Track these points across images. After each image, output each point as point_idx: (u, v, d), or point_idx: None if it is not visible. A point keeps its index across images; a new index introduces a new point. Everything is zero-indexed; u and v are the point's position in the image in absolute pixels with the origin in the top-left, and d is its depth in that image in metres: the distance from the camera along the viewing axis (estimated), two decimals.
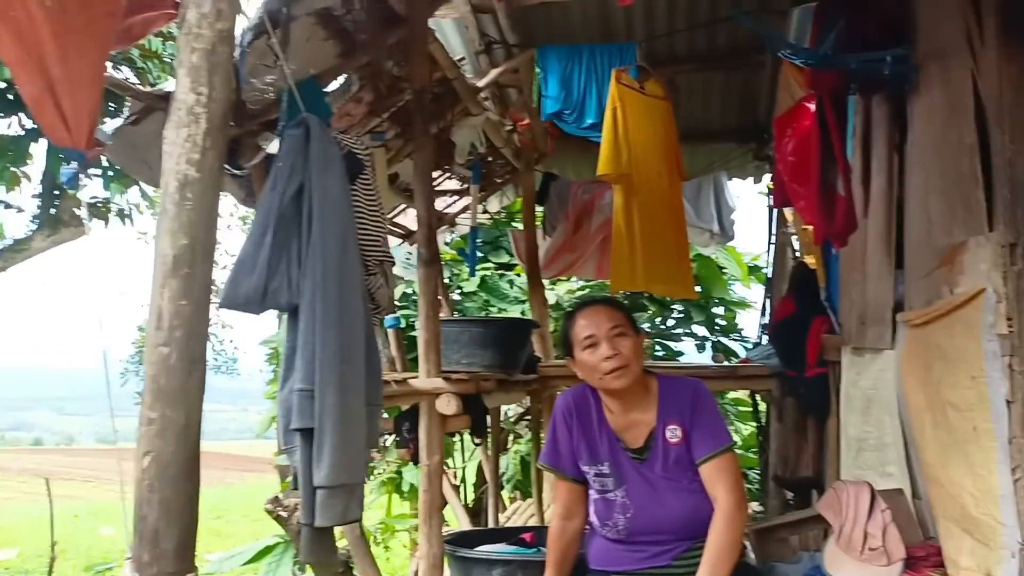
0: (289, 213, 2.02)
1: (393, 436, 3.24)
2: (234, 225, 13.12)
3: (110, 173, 7.60)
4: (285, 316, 2.14)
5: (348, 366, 2.07)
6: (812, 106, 3.01)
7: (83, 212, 7.97)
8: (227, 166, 3.24)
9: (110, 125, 3.18)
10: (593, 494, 2.66)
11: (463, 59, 4.39)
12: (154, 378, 1.54)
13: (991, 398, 2.21)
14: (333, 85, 3.55)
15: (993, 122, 2.30)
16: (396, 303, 6.77)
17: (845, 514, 2.63)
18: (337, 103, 3.59)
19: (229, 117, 1.64)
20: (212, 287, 1.65)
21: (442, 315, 5.69)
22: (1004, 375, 2.17)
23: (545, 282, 6.13)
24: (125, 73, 7.19)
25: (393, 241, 5.52)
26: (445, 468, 6.88)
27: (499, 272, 7.68)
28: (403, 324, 5.61)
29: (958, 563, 2.39)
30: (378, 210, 2.39)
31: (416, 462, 3.04)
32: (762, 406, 4.81)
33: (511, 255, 7.36)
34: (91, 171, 6.99)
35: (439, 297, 5.87)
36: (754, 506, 5.02)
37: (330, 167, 2.09)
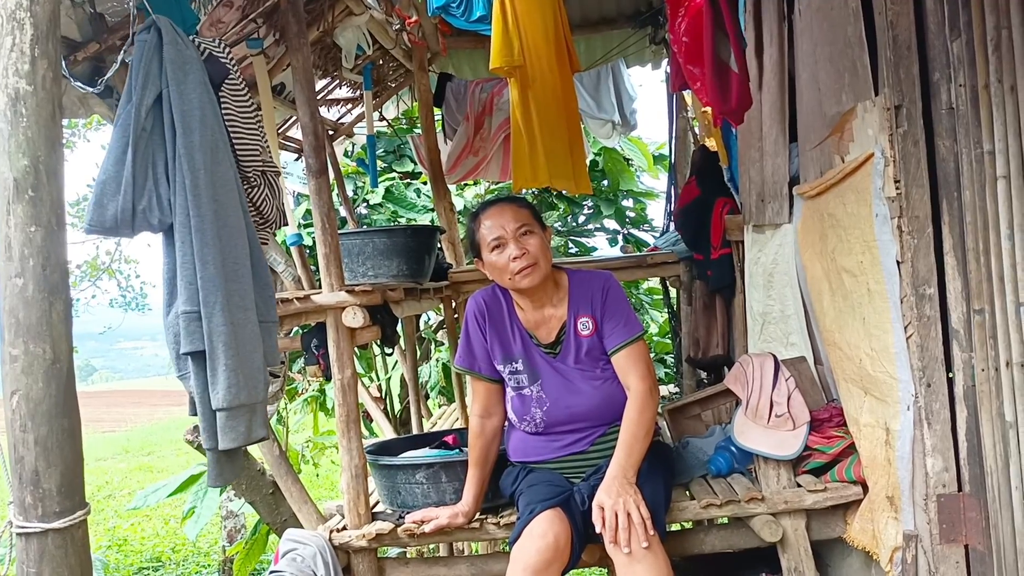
0: (149, 126, 1.85)
1: (303, 354, 3.16)
2: None
3: None
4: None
5: (234, 284, 1.96)
6: None
7: None
8: (84, 86, 3.01)
9: None
10: (509, 391, 2.67)
11: None
12: (11, 312, 1.42)
13: (882, 260, 2.26)
14: None
15: None
16: (301, 221, 6.58)
17: (751, 386, 2.71)
18: (205, 9, 3.35)
19: (59, 22, 1.47)
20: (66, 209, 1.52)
21: (348, 229, 5.55)
22: (894, 237, 2.22)
23: (452, 188, 6.02)
24: None
25: (289, 156, 5.31)
26: (368, 381, 6.87)
27: (405, 181, 7.50)
28: (306, 241, 5.46)
29: (859, 421, 2.50)
30: (254, 118, 2.23)
31: (328, 378, 2.99)
32: (673, 292, 4.89)
33: (415, 163, 7.19)
34: None
35: (345, 212, 5.72)
36: (671, 388, 5.16)
37: (189, 72, 1.92)
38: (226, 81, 2.10)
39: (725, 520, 2.78)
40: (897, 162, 2.20)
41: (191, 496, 5.02)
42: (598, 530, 2.30)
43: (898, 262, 2.22)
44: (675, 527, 3.05)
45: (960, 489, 2.17)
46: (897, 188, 2.20)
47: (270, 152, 2.39)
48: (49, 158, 1.44)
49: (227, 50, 2.17)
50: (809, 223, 2.77)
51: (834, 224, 2.53)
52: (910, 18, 2.20)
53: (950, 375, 2.19)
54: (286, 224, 2.74)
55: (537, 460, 2.62)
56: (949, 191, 2.14)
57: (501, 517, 2.68)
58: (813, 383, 2.80)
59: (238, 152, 2.14)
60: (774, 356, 2.79)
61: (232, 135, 2.11)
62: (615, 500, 2.29)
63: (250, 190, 2.22)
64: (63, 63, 2.72)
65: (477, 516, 2.68)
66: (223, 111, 2.08)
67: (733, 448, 2.75)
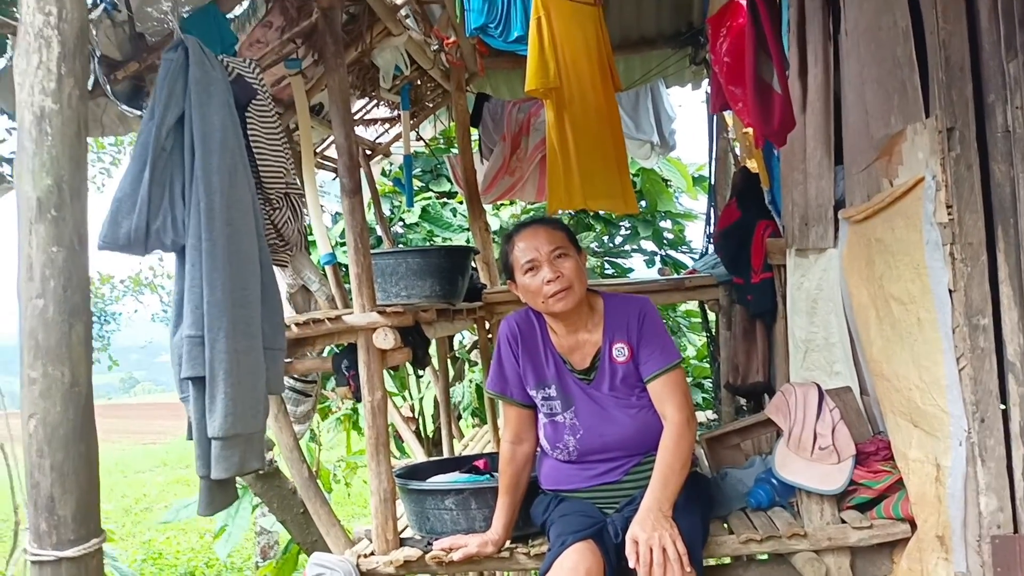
0: (169, 145, 1.83)
1: (333, 375, 3.12)
2: None
3: None
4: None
5: (241, 310, 1.92)
6: (744, 1, 2.88)
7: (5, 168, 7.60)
8: (127, 108, 3.03)
9: None
10: (542, 418, 2.61)
11: None
12: (31, 334, 1.39)
13: (933, 288, 2.17)
14: (237, 10, 3.32)
15: (926, 2, 2.21)
16: (338, 240, 6.59)
17: (794, 416, 2.61)
18: (245, 29, 3.36)
19: (86, 39, 1.45)
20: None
21: (383, 248, 5.54)
22: (946, 264, 2.13)
23: (488, 207, 5.98)
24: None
25: (327, 175, 5.32)
26: (401, 400, 6.84)
27: (441, 201, 7.50)
28: (342, 259, 5.45)
29: (907, 455, 2.39)
30: (279, 140, 2.20)
31: (358, 399, 2.95)
32: (711, 315, 4.79)
33: (451, 182, 7.19)
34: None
35: (381, 231, 5.72)
36: (709, 415, 5.05)
37: (213, 94, 1.90)
38: (253, 102, 2.08)
39: (765, 556, 2.68)
40: (949, 186, 2.11)
41: (223, 514, 5.01)
42: (632, 565, 2.22)
43: (950, 290, 2.12)
44: (712, 562, 2.94)
45: (1016, 530, 2.06)
46: (949, 213, 2.11)
47: (295, 174, 2.36)
48: (73, 177, 1.42)
49: (256, 70, 2.15)
50: (855, 248, 2.67)
51: (882, 250, 2.44)
52: (963, 38, 2.12)
53: (1004, 409, 2.09)
54: (306, 248, 2.70)
55: (569, 489, 2.55)
56: (1005, 217, 2.05)
57: (531, 547, 2.61)
58: (859, 414, 2.69)
59: (262, 174, 2.11)
60: (818, 386, 2.69)
61: (256, 156, 2.08)
62: (650, 534, 2.21)
63: (272, 212, 2.19)
64: (106, 82, 2.74)
65: (507, 545, 2.61)
66: (248, 132, 2.06)
67: (774, 480, 2.65)
